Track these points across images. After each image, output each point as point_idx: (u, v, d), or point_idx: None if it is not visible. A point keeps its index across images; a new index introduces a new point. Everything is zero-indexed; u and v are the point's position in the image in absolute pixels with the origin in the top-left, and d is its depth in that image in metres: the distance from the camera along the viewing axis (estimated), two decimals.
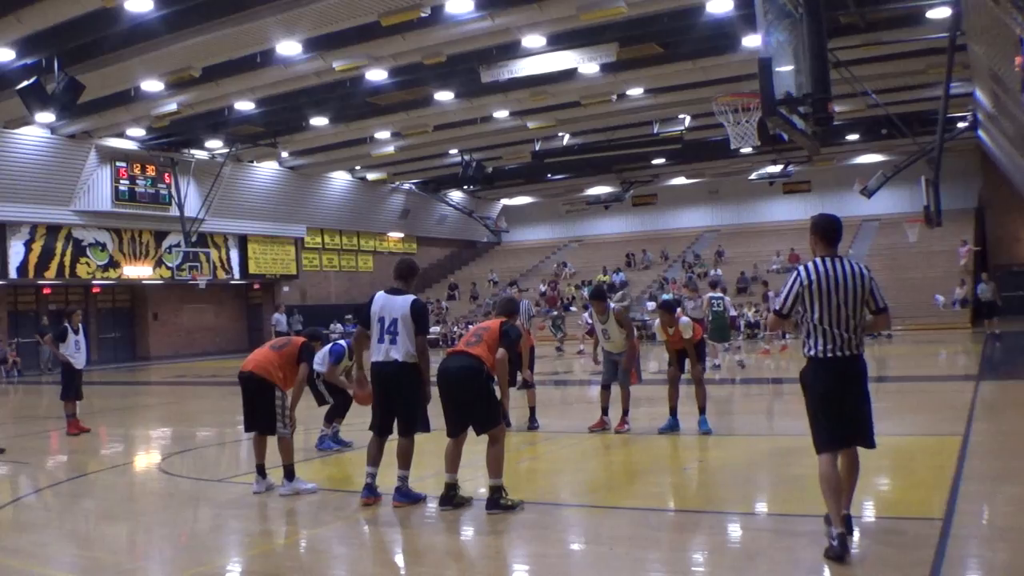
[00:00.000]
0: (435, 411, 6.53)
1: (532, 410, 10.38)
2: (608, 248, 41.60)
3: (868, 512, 6.07)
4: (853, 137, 30.68)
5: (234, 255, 33.71)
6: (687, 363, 9.69)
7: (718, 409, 11.18)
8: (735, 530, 5.79)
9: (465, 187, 39.71)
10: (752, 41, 16.95)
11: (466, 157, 31.39)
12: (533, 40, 18.64)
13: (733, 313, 23.20)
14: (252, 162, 31.91)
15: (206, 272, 30.89)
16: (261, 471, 7.22)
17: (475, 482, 6.77)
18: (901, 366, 17.18)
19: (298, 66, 19.40)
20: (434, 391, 6.47)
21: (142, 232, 30.28)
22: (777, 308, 5.14)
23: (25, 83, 16.75)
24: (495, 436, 6.26)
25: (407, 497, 6.46)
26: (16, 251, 26.74)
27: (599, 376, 10.23)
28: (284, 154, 31.25)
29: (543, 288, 36.49)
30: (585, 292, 33.92)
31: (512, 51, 19.46)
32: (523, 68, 19.90)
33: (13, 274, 26.70)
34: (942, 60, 17.60)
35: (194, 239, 29.85)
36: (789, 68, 7.41)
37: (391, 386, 6.47)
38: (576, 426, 10.21)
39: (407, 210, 40.70)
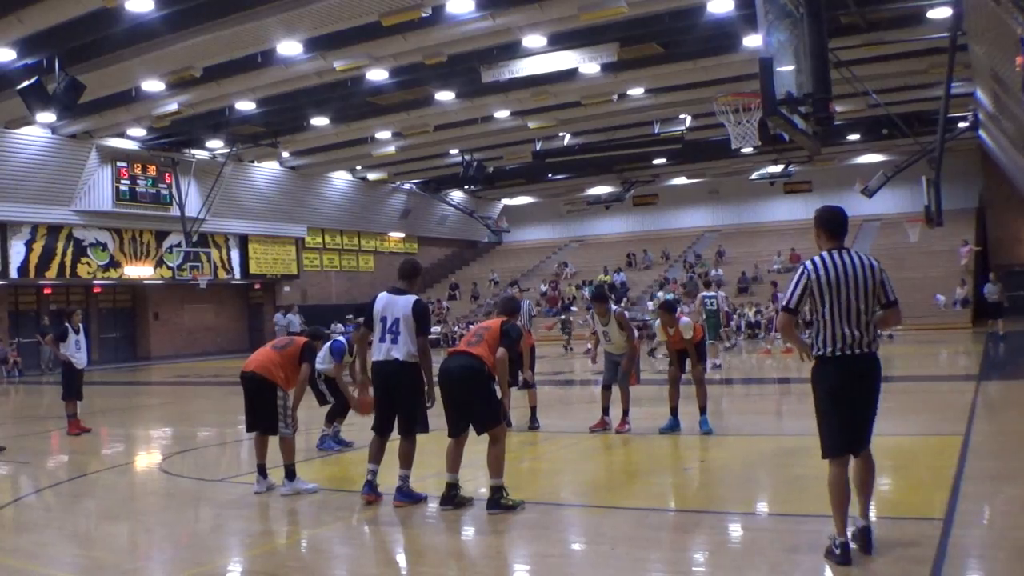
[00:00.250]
0: (436, 411, 6.54)
1: (533, 410, 10.38)
2: (609, 248, 41.60)
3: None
4: (854, 137, 30.68)
5: (235, 255, 33.72)
6: (688, 363, 9.70)
7: (718, 409, 11.18)
8: (735, 530, 5.79)
9: (466, 187, 39.71)
10: (753, 41, 16.95)
11: (467, 157, 31.40)
12: (534, 40, 18.64)
13: (727, 309, 23.32)
14: (253, 162, 31.92)
15: (207, 272, 30.88)
16: (262, 471, 7.23)
17: (476, 482, 6.78)
18: (902, 366, 17.18)
19: (299, 66, 19.40)
20: (435, 391, 6.47)
21: (143, 232, 30.30)
22: (785, 304, 4.90)
23: (26, 83, 16.75)
24: (496, 436, 6.26)
25: (408, 497, 6.46)
26: (17, 251, 26.76)
27: (600, 376, 10.23)
28: (285, 154, 31.25)
29: (544, 288, 36.51)
30: (586, 292, 33.97)
31: (513, 51, 19.46)
32: (524, 68, 19.90)
33: (14, 274, 26.72)
34: (943, 60, 17.60)
35: (195, 239, 29.86)
36: (790, 68, 7.41)
37: (391, 385, 6.48)
38: (577, 426, 10.21)
39: (408, 210, 40.71)
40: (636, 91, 23.87)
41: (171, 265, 30.81)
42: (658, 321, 10.13)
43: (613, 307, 9.83)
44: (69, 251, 28.08)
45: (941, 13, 16.69)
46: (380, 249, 40.72)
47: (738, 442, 9.06)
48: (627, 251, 39.77)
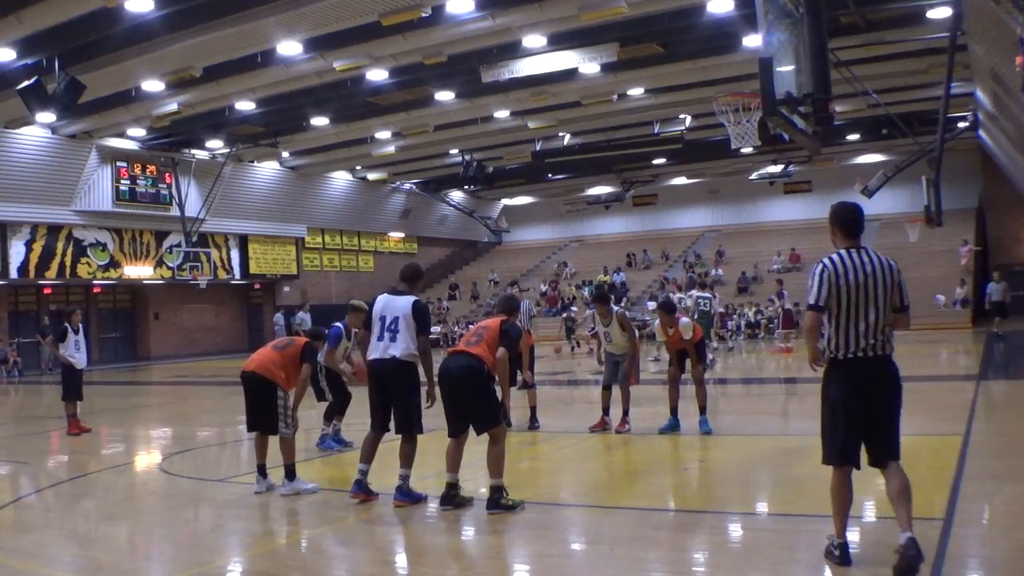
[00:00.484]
0: (436, 410, 6.54)
1: (533, 410, 10.39)
2: (608, 248, 41.60)
3: (868, 512, 6.07)
4: (854, 137, 30.68)
5: (235, 255, 33.72)
6: (687, 363, 9.70)
7: (718, 409, 11.18)
8: (735, 530, 5.79)
9: (466, 187, 39.70)
10: (753, 41, 16.94)
11: (466, 157, 31.40)
12: (534, 40, 18.64)
13: (721, 310, 23.37)
14: (253, 162, 31.92)
15: (207, 272, 30.88)
16: (262, 471, 7.23)
17: (476, 482, 6.77)
18: (902, 366, 17.12)
19: (299, 66, 19.40)
20: (435, 391, 6.47)
21: (143, 232, 30.30)
22: (812, 302, 4.62)
23: (26, 83, 16.76)
24: (495, 436, 6.26)
25: (408, 496, 6.47)
26: (17, 251, 26.75)
27: (599, 376, 10.23)
28: (285, 154, 31.26)
29: (544, 288, 36.51)
30: (586, 292, 33.97)
31: (512, 51, 19.45)
32: (523, 68, 19.90)
33: (14, 274, 26.71)
34: (943, 60, 17.59)
35: (195, 239, 29.85)
36: (790, 68, 7.42)
37: (388, 383, 6.49)
38: (576, 426, 10.21)
39: (408, 210, 40.71)
40: (636, 91, 23.88)
41: (171, 265, 30.81)
42: (657, 321, 10.14)
43: (615, 308, 9.84)
44: (69, 251, 28.08)
45: (941, 13, 16.69)
46: (380, 249, 40.72)
47: (738, 442, 9.07)
48: (627, 251, 39.77)
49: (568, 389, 16.70)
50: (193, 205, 29.54)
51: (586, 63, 19.79)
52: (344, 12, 16.41)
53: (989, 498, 6.22)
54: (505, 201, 46.18)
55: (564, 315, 27.69)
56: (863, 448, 4.63)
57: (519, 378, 10.27)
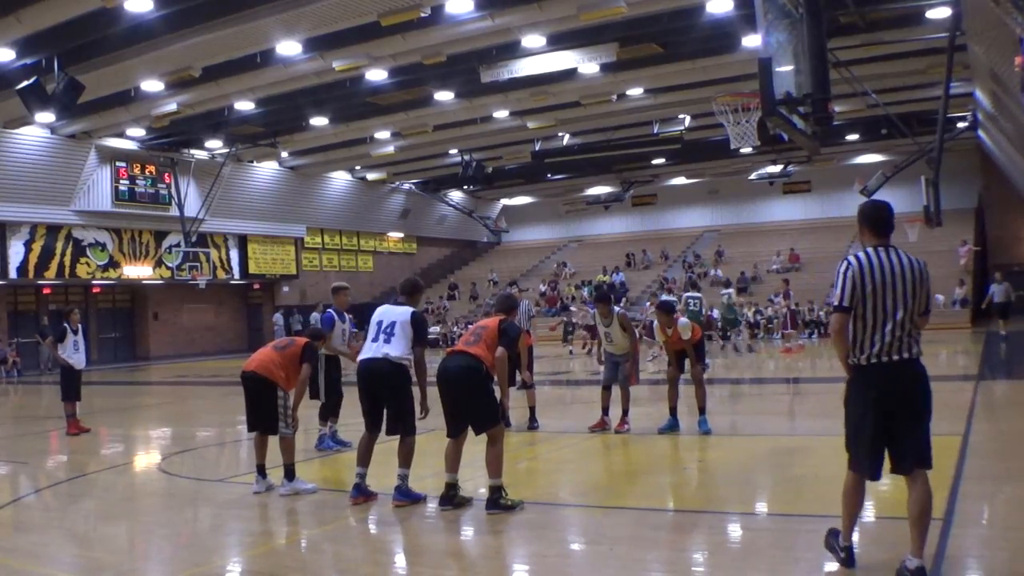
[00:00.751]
0: (435, 411, 6.54)
1: (532, 410, 10.39)
2: (608, 248, 41.60)
3: (868, 512, 6.07)
4: (853, 137, 30.68)
5: (234, 255, 33.71)
6: (687, 363, 9.71)
7: (718, 409, 11.18)
8: (735, 530, 5.79)
9: (465, 187, 39.71)
10: (752, 41, 16.95)
11: (466, 157, 31.39)
12: (533, 40, 18.64)
13: (712, 314, 23.41)
14: (252, 162, 31.91)
15: (206, 272, 30.89)
16: (261, 471, 7.23)
17: (475, 482, 6.78)
18: None
19: (298, 66, 19.40)
20: (433, 391, 6.47)
21: (142, 232, 30.29)
22: (837, 303, 4.43)
23: (25, 83, 16.76)
24: (494, 436, 6.26)
25: (407, 496, 6.47)
26: (16, 251, 26.74)
27: (599, 376, 10.23)
28: (284, 154, 31.25)
29: (543, 288, 36.50)
30: (585, 292, 33.98)
31: (512, 51, 19.46)
32: (523, 68, 19.90)
33: (13, 274, 26.70)
34: (942, 60, 17.59)
35: (194, 239, 29.85)
36: (789, 68, 7.42)
37: (378, 384, 6.51)
38: (576, 426, 10.21)
39: (407, 210, 40.71)
40: (635, 91, 23.88)
41: (170, 265, 30.80)
42: (656, 322, 10.14)
43: (616, 309, 9.84)
44: (68, 251, 28.07)
45: (940, 13, 16.69)
46: (379, 249, 40.73)
47: (738, 442, 9.07)
48: (626, 251, 39.77)
49: (567, 389, 16.70)
50: (192, 205, 29.54)
51: (585, 63, 19.79)
52: (343, 12, 16.41)
53: (989, 498, 6.22)
54: (504, 201, 46.18)
55: (563, 319, 27.67)
56: (887, 455, 4.43)
57: (518, 378, 10.27)
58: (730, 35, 18.61)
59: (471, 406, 6.30)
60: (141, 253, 30.35)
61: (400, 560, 5.63)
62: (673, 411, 9.48)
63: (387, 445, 6.75)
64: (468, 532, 5.95)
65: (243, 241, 33.80)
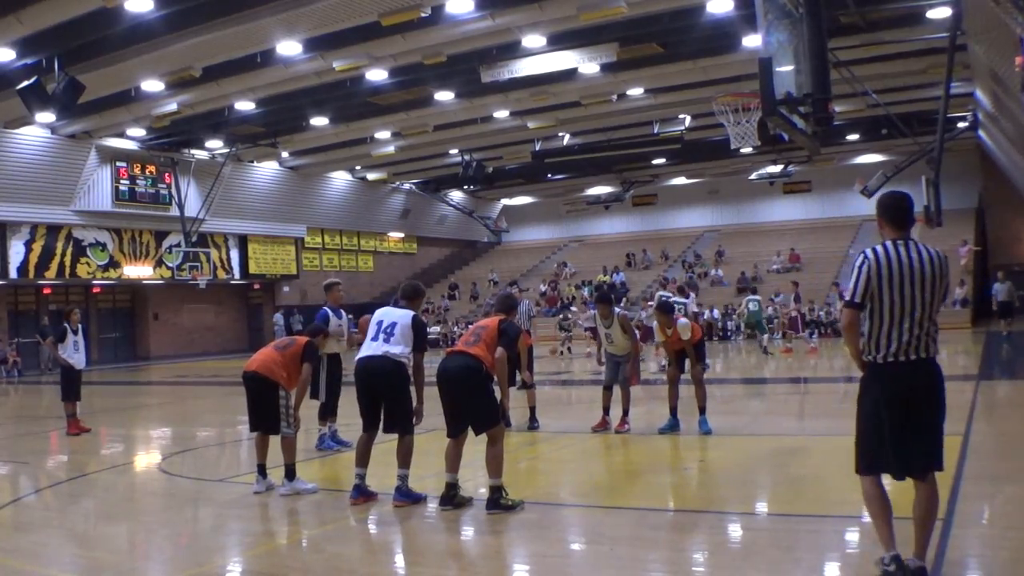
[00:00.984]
0: (435, 411, 6.54)
1: (532, 410, 10.39)
2: (608, 248, 41.59)
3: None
4: (853, 137, 30.68)
5: (234, 255, 33.71)
6: (687, 363, 9.71)
7: (718, 409, 11.17)
8: (735, 530, 5.79)
9: (465, 187, 39.73)
10: (752, 41, 16.95)
11: (466, 157, 31.40)
12: (533, 40, 18.64)
13: (696, 311, 23.40)
14: (252, 162, 31.92)
15: (206, 272, 30.89)
16: (262, 471, 7.23)
17: (475, 482, 6.78)
18: None
19: (298, 66, 19.40)
20: (433, 391, 6.48)
21: (142, 232, 30.29)
22: (849, 298, 4.26)
23: (25, 83, 16.76)
24: (494, 436, 6.26)
25: (408, 496, 6.47)
26: (16, 251, 26.75)
27: (599, 376, 10.24)
28: (284, 154, 31.26)
29: (543, 288, 36.50)
30: (585, 292, 33.99)
31: (512, 51, 19.46)
32: (523, 68, 19.91)
33: (13, 274, 26.71)
34: (942, 60, 17.59)
35: (194, 239, 29.86)
36: (789, 68, 7.41)
37: (377, 382, 6.51)
38: (576, 426, 10.21)
39: (407, 210, 40.71)
40: (635, 91, 23.88)
41: (171, 265, 30.80)
42: (656, 322, 10.15)
43: (617, 310, 9.85)
44: (68, 251, 28.07)
45: (940, 13, 16.70)
46: (380, 249, 40.72)
47: (738, 442, 9.07)
48: (626, 251, 39.76)
49: (567, 389, 16.70)
50: (193, 205, 29.55)
51: (586, 63, 19.79)
52: (344, 12, 16.41)
53: (989, 498, 6.22)
54: (505, 201, 46.18)
55: (560, 315, 27.65)
56: (897, 456, 4.29)
57: (518, 378, 10.28)
58: (730, 35, 18.61)
59: (471, 406, 6.30)
60: (141, 253, 30.36)
61: (400, 560, 5.63)
62: (673, 411, 9.48)
63: (387, 445, 6.75)
64: (468, 532, 5.95)
65: (243, 241, 33.81)
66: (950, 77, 17.43)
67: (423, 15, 16.14)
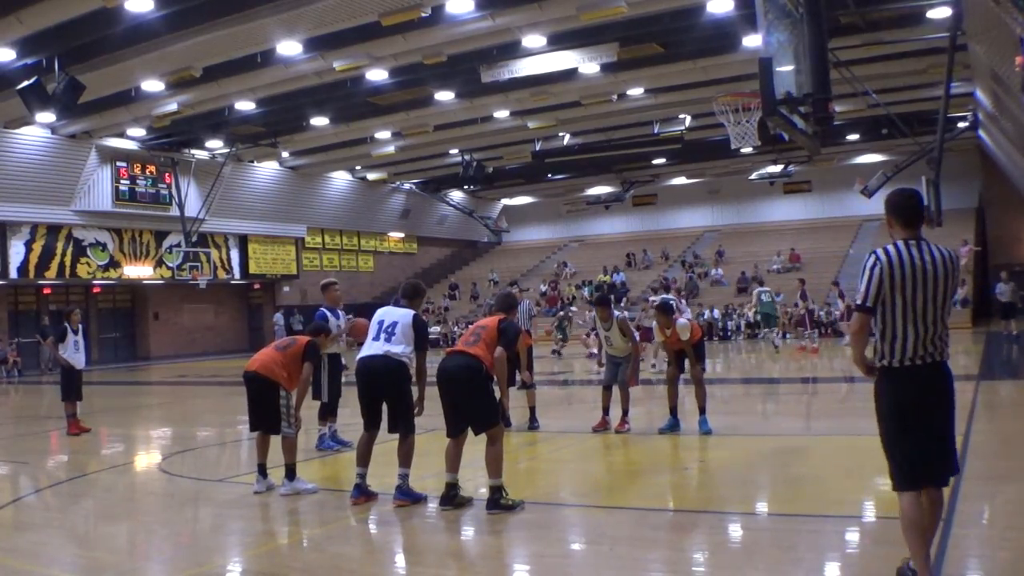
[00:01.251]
0: (435, 411, 6.54)
1: (532, 410, 10.39)
2: (608, 248, 41.60)
3: (868, 512, 6.08)
4: (853, 137, 30.68)
5: (234, 255, 33.71)
6: (687, 363, 9.71)
7: (718, 409, 11.18)
8: (735, 530, 5.79)
9: (465, 187, 39.72)
10: (752, 41, 16.94)
11: (466, 157, 31.40)
12: (533, 40, 18.64)
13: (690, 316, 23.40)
14: (252, 162, 31.92)
15: (206, 272, 30.88)
16: (262, 471, 7.23)
17: (475, 482, 6.78)
18: None
19: (298, 66, 19.40)
20: (433, 391, 6.48)
21: (142, 232, 30.29)
22: (860, 302, 4.09)
23: (25, 83, 16.76)
24: (493, 436, 6.26)
25: (408, 496, 6.47)
26: (16, 251, 26.74)
27: (599, 376, 10.24)
28: (284, 154, 31.26)
29: (544, 288, 36.51)
30: (585, 292, 33.98)
31: (512, 51, 19.46)
32: (523, 68, 19.91)
33: (13, 274, 26.71)
34: (942, 60, 17.59)
35: (194, 239, 29.86)
36: (789, 68, 7.42)
37: (378, 381, 6.52)
38: (576, 426, 10.21)
39: (407, 210, 40.71)
40: (636, 91, 23.88)
41: (171, 265, 30.80)
42: (655, 323, 10.15)
43: (616, 313, 9.84)
44: (69, 251, 28.07)
45: (941, 13, 16.70)
46: (380, 249, 40.72)
47: (738, 442, 9.06)
48: (627, 251, 39.77)
49: (567, 389, 16.69)
50: (193, 205, 29.54)
51: (586, 63, 19.79)
52: (344, 12, 16.41)
53: (989, 498, 6.22)
54: (505, 201, 46.18)
55: (560, 313, 27.60)
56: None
57: (517, 378, 10.28)
58: (730, 35, 18.61)
59: (471, 406, 6.30)
60: (141, 253, 30.36)
61: (400, 560, 5.63)
62: (673, 411, 9.48)
63: (387, 445, 6.75)
64: (468, 532, 5.95)
65: (243, 241, 33.81)
66: (950, 77, 17.43)
67: (423, 15, 16.14)
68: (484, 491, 6.32)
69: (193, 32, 16.90)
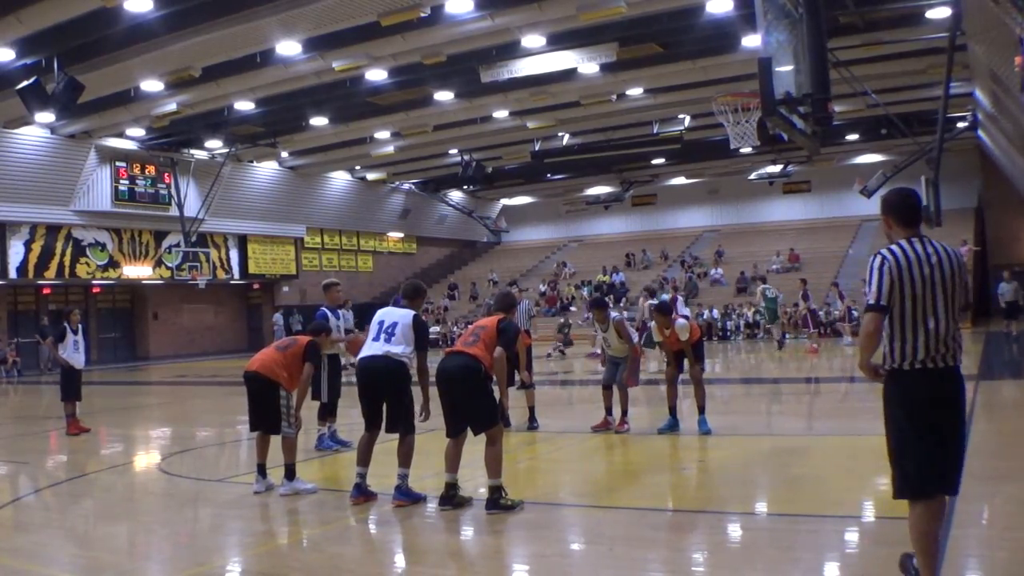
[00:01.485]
0: (435, 411, 6.53)
1: (531, 410, 10.39)
2: (608, 248, 41.59)
3: (868, 512, 6.08)
4: (853, 137, 30.68)
5: (234, 255, 33.70)
6: (686, 363, 9.71)
7: (718, 409, 11.18)
8: (735, 530, 5.79)
9: (465, 187, 39.71)
10: (752, 41, 16.94)
11: (466, 157, 31.39)
12: (533, 40, 18.64)
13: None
14: (252, 162, 31.91)
15: (206, 272, 30.89)
16: (262, 471, 7.23)
17: (475, 482, 6.78)
18: None
19: (298, 66, 19.40)
20: (432, 391, 6.47)
21: (142, 232, 30.28)
22: (872, 301, 3.92)
23: (25, 83, 16.75)
24: (493, 436, 6.26)
25: (408, 496, 6.47)
26: (16, 251, 26.73)
27: (599, 376, 10.24)
28: (284, 154, 31.25)
29: (543, 288, 36.51)
30: (585, 292, 33.99)
31: (512, 51, 19.46)
32: (523, 68, 19.91)
33: (13, 274, 26.70)
34: (942, 60, 17.60)
35: (194, 239, 29.84)
36: (789, 68, 7.42)
37: (379, 382, 6.52)
38: (575, 426, 10.22)
39: (407, 210, 40.71)
40: (635, 91, 23.88)
41: (170, 265, 30.80)
42: (654, 323, 10.15)
43: (613, 315, 9.84)
44: (68, 251, 28.06)
45: (940, 13, 16.70)
46: (379, 249, 40.72)
47: (737, 442, 9.07)
48: (626, 251, 39.76)
49: (567, 389, 16.69)
50: (192, 205, 29.53)
51: (585, 63, 19.79)
52: (343, 12, 16.41)
53: (989, 498, 6.22)
54: (504, 201, 46.18)
55: (560, 319, 27.59)
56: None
57: (516, 378, 10.28)
58: (730, 35, 18.61)
59: (470, 406, 6.31)
60: (141, 253, 30.35)
61: (400, 560, 5.63)
62: (673, 411, 9.48)
63: (387, 445, 6.75)
64: (468, 532, 5.95)
65: (243, 241, 33.80)
66: (950, 77, 17.44)
67: (423, 15, 16.15)
68: (483, 491, 6.31)
69: (192, 32, 16.90)
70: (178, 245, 30.07)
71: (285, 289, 36.23)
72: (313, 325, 8.34)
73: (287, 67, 19.43)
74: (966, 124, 27.17)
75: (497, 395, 6.49)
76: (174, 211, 29.27)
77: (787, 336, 24.68)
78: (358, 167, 35.15)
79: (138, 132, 26.40)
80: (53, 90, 16.85)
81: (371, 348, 6.58)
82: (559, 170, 36.53)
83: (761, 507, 6.52)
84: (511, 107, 25.25)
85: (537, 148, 29.86)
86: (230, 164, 29.94)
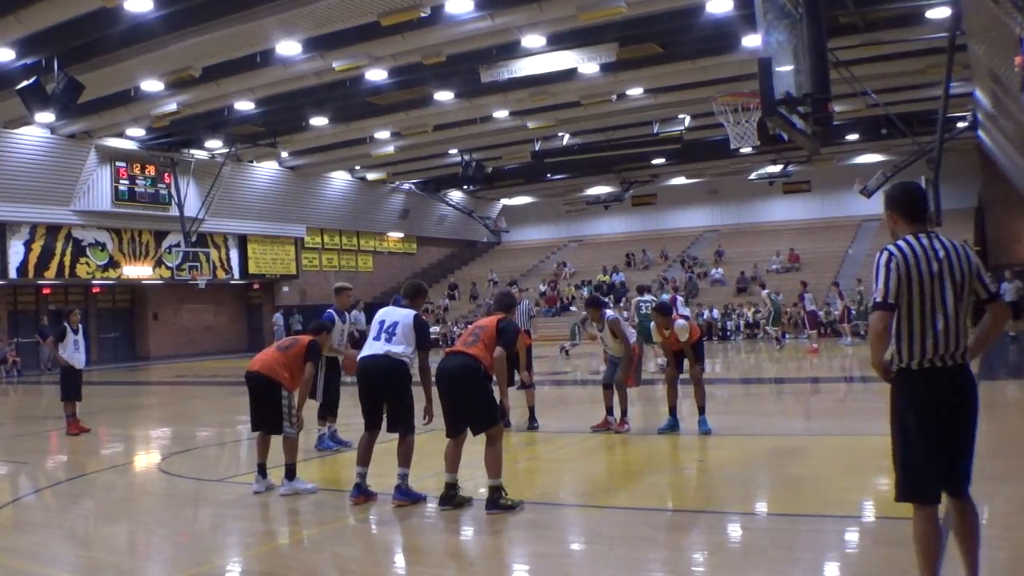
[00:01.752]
0: (435, 411, 6.53)
1: (531, 410, 10.39)
2: (608, 248, 41.60)
3: (868, 512, 6.08)
4: (853, 137, 30.67)
5: (234, 255, 33.70)
6: (686, 363, 9.71)
7: (718, 409, 11.18)
8: (735, 530, 5.79)
9: (465, 187, 39.70)
10: (752, 41, 16.94)
11: (466, 157, 31.39)
12: (533, 40, 18.63)
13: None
14: (252, 162, 31.91)
15: (206, 272, 30.89)
16: (262, 471, 7.24)
17: (475, 482, 6.78)
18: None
19: (298, 66, 19.39)
20: (433, 391, 6.47)
21: (142, 232, 30.27)
22: (880, 299, 3.79)
23: (25, 83, 16.75)
24: (492, 436, 6.26)
25: (407, 496, 6.47)
26: (16, 251, 26.73)
27: (599, 376, 10.25)
28: (284, 154, 31.25)
29: (543, 288, 36.51)
30: (585, 292, 33.99)
31: (512, 51, 19.45)
32: (523, 68, 19.90)
33: (13, 274, 26.69)
34: (942, 60, 17.60)
35: (194, 239, 29.84)
36: (789, 68, 7.43)
37: (379, 381, 6.52)
38: (575, 426, 10.21)
39: (407, 210, 40.71)
40: (635, 91, 23.87)
41: (170, 265, 30.80)
42: (653, 323, 10.15)
43: (608, 314, 9.81)
44: (68, 251, 28.05)
45: (940, 13, 16.70)
46: (379, 249, 40.71)
47: (737, 442, 9.07)
48: (626, 251, 39.76)
49: (567, 389, 16.69)
50: (192, 205, 29.53)
51: (585, 63, 19.79)
52: (343, 12, 16.40)
53: (989, 498, 6.21)
54: (504, 201, 46.18)
55: (575, 320, 27.53)
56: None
57: (516, 378, 10.27)
58: (730, 35, 18.61)
59: (470, 406, 6.31)
60: (141, 253, 30.34)
61: (400, 560, 5.63)
62: (673, 411, 9.48)
63: (387, 445, 6.76)
64: (468, 532, 5.95)
65: (243, 241, 33.79)
66: (950, 77, 17.44)
67: (423, 15, 16.14)
68: (483, 491, 6.32)
69: (192, 32, 16.89)
70: (178, 245, 30.07)
71: (285, 289, 36.23)
72: (314, 324, 8.34)
73: (287, 67, 19.42)
74: (966, 124, 27.17)
75: (497, 395, 6.49)
76: (174, 211, 29.27)
77: (787, 336, 24.74)
78: (358, 167, 35.15)
79: (138, 132, 26.39)
80: (53, 90, 16.85)
81: (372, 348, 6.58)
82: (559, 170, 36.52)
83: (761, 507, 6.53)
84: (511, 107, 25.25)
85: (537, 148, 29.88)
86: (230, 164, 29.93)
